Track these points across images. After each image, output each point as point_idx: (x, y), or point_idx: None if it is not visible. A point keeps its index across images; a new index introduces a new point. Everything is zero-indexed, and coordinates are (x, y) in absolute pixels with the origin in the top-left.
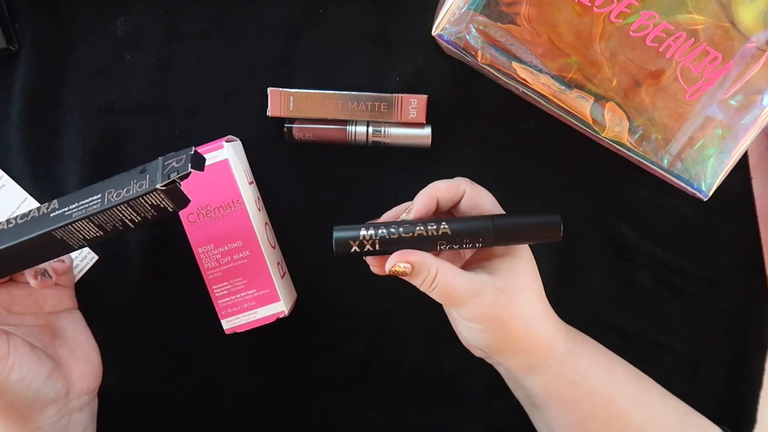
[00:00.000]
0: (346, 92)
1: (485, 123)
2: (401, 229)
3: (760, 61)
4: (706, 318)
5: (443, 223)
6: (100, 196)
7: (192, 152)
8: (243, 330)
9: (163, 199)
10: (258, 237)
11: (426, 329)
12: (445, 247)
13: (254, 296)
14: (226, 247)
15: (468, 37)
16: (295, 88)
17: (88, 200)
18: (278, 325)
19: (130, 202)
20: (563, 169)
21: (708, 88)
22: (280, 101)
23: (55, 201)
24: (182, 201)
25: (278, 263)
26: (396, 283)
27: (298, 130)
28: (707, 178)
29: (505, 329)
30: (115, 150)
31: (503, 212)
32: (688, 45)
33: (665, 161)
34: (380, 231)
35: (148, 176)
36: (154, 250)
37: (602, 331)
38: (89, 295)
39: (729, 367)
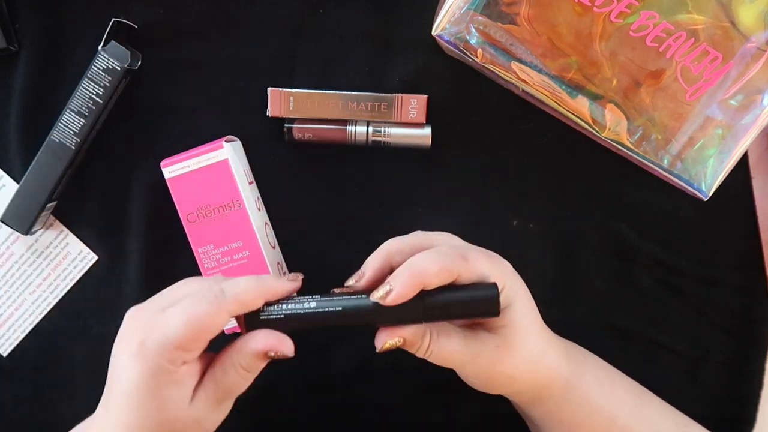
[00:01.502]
0: (346, 92)
1: (485, 123)
2: (314, 304)
3: (760, 61)
4: (706, 318)
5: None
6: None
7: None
8: None
9: (108, 59)
10: (258, 237)
11: None
12: (370, 325)
13: None
14: (225, 247)
15: (468, 37)
16: (295, 88)
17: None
18: None
19: (88, 75)
20: (563, 169)
21: (708, 88)
22: (280, 101)
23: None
24: (124, 56)
25: (278, 263)
26: None
27: (298, 130)
28: (707, 178)
29: (508, 379)
30: (115, 150)
31: (498, 266)
32: (688, 45)
33: (665, 161)
34: (305, 305)
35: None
36: (154, 250)
37: (602, 331)
38: (89, 295)
39: (729, 367)
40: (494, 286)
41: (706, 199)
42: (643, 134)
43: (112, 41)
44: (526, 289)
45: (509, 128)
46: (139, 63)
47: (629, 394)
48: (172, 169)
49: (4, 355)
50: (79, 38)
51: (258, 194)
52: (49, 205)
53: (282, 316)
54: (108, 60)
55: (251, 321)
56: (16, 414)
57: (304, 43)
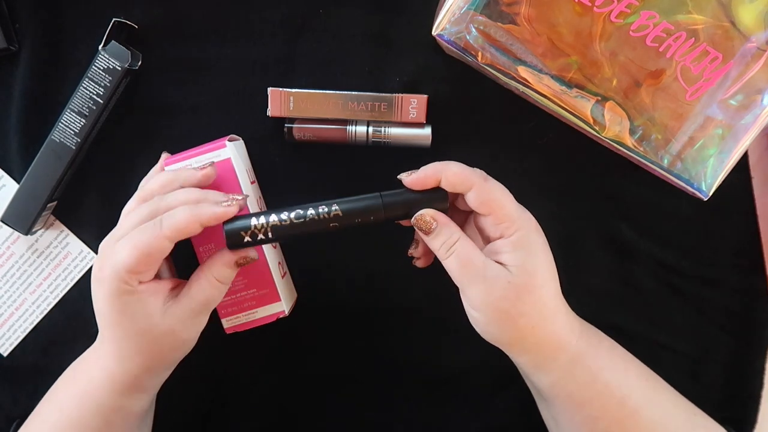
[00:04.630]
0: (346, 92)
1: (485, 123)
2: (292, 215)
3: (760, 61)
4: (707, 318)
5: (334, 205)
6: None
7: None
8: (243, 329)
9: (108, 59)
10: None
11: (426, 329)
12: (338, 227)
13: (255, 296)
14: None
15: (468, 37)
16: (295, 88)
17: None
18: (278, 325)
19: (89, 75)
20: (563, 169)
21: (708, 88)
22: (280, 101)
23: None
24: (124, 56)
25: (279, 263)
26: (396, 283)
27: (298, 130)
28: (707, 178)
29: (512, 325)
30: (115, 150)
31: (524, 213)
32: (688, 45)
33: (665, 161)
34: (271, 218)
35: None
36: None
37: (603, 331)
38: (89, 295)
39: (730, 367)
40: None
41: (706, 199)
42: (643, 134)
43: (113, 41)
44: (547, 249)
45: (509, 128)
46: (140, 63)
47: (641, 378)
48: (175, 167)
49: (5, 355)
50: (79, 38)
51: (260, 193)
52: (49, 205)
53: (264, 237)
54: (108, 60)
55: (234, 242)
56: (16, 414)
57: (304, 43)
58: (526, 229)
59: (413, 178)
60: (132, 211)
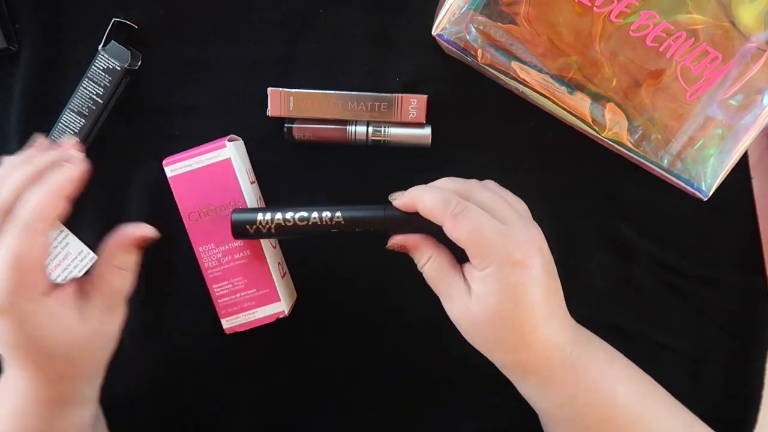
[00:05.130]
0: (346, 92)
1: (485, 123)
2: (297, 217)
3: (760, 61)
4: (707, 318)
5: (338, 212)
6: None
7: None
8: (243, 330)
9: (108, 59)
10: None
11: (426, 329)
12: (338, 233)
13: (254, 296)
14: (226, 246)
15: (468, 37)
16: (295, 88)
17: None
18: (278, 325)
19: (88, 75)
20: (563, 169)
21: (708, 87)
22: (280, 101)
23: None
24: (124, 56)
25: (279, 263)
26: (396, 282)
27: (298, 130)
28: (707, 178)
29: (476, 342)
30: (115, 150)
31: (502, 247)
32: (688, 45)
33: (665, 161)
34: (277, 216)
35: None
36: (154, 250)
37: (602, 331)
38: None
39: (730, 367)
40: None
41: (706, 199)
42: (643, 134)
43: (113, 41)
44: (534, 276)
45: (509, 128)
46: (140, 63)
47: (638, 387)
48: (174, 167)
49: None
50: (79, 38)
51: (260, 194)
52: None
53: (267, 233)
54: (108, 60)
55: (239, 232)
56: None
57: (304, 43)
58: (497, 266)
59: (398, 205)
60: None
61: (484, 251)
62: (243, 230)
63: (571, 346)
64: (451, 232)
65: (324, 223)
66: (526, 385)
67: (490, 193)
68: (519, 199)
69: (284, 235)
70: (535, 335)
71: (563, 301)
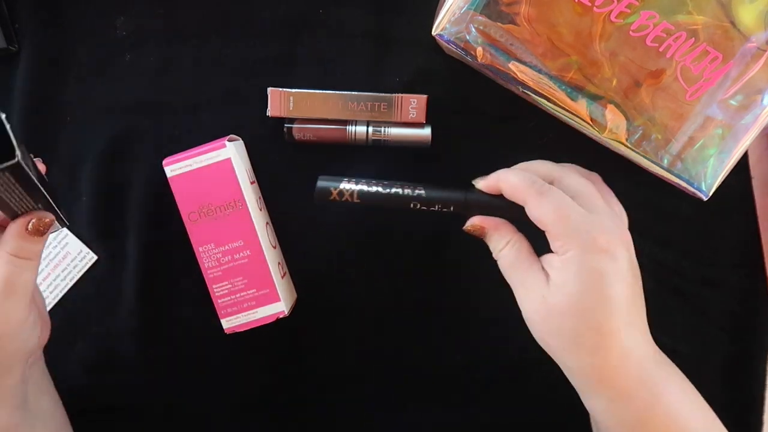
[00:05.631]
0: (346, 92)
1: (485, 123)
2: (380, 187)
3: (760, 61)
4: (707, 318)
5: (420, 187)
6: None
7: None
8: (243, 330)
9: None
10: (259, 237)
11: (427, 329)
12: (418, 207)
13: (254, 296)
14: (226, 247)
15: (468, 37)
16: (295, 88)
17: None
18: (278, 325)
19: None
20: None
21: (708, 88)
22: (280, 101)
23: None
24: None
25: (279, 263)
26: (396, 282)
27: (298, 130)
28: (707, 178)
29: (543, 342)
30: (115, 150)
31: (588, 230)
32: (688, 45)
33: (665, 161)
34: (360, 185)
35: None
36: (154, 250)
37: None
38: (89, 294)
39: (731, 368)
40: None
41: (706, 199)
42: (643, 134)
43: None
44: (618, 268)
45: (509, 128)
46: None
47: (706, 421)
48: (174, 167)
49: None
50: (79, 38)
51: (259, 194)
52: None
53: (350, 199)
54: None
55: (321, 196)
56: None
57: (304, 43)
58: (581, 250)
59: (482, 185)
60: None
61: (567, 232)
62: (326, 194)
63: (650, 363)
64: (534, 210)
65: (405, 194)
66: (595, 397)
67: (580, 179)
68: (617, 201)
69: (366, 203)
70: (615, 338)
71: (645, 312)
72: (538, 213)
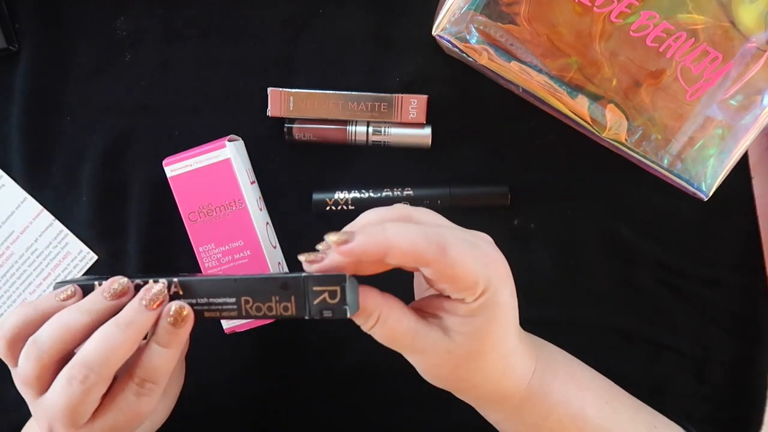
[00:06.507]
0: (346, 92)
1: (485, 123)
2: (371, 192)
3: (760, 61)
4: (708, 318)
5: (407, 188)
6: (234, 301)
7: (346, 284)
8: (243, 330)
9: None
10: (259, 237)
11: None
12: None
13: None
14: (227, 247)
15: (468, 37)
16: (295, 88)
17: (221, 301)
18: (278, 325)
19: (259, 306)
20: (563, 169)
21: (708, 88)
22: (280, 101)
23: (177, 283)
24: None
25: (279, 263)
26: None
27: (298, 130)
28: (707, 178)
29: (449, 385)
30: (115, 150)
31: (489, 266)
32: (689, 45)
33: (665, 161)
34: (353, 193)
35: (293, 298)
36: (154, 250)
37: (603, 331)
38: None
39: (734, 368)
40: (506, 185)
41: (706, 199)
42: (643, 134)
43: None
44: (512, 292)
45: (509, 128)
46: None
47: (602, 394)
48: (174, 167)
49: None
50: (79, 38)
51: (259, 194)
52: None
53: (345, 207)
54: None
55: (319, 208)
56: (19, 414)
57: (304, 43)
58: (492, 290)
59: (344, 249)
60: (20, 380)
61: (476, 282)
62: (322, 205)
63: (531, 361)
64: (441, 271)
65: (395, 196)
66: (493, 413)
67: (426, 211)
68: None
69: (359, 208)
70: (514, 357)
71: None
72: (447, 272)
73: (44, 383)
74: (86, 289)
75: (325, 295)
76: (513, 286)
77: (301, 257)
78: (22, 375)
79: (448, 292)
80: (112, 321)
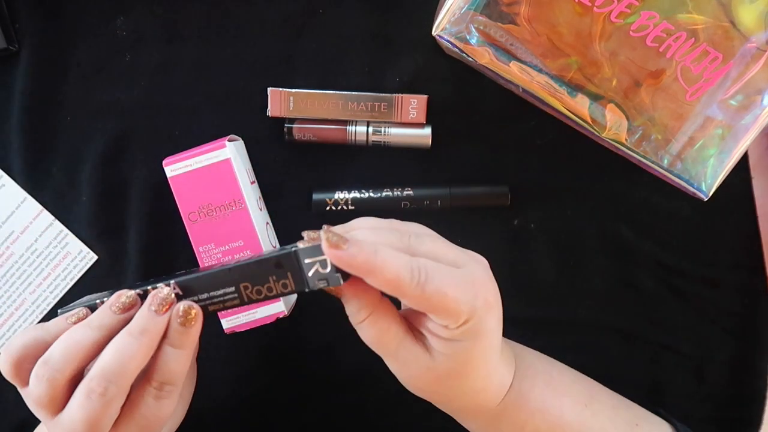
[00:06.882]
0: (346, 92)
1: (485, 123)
2: (370, 192)
3: (760, 61)
4: (708, 318)
5: (407, 188)
6: (234, 290)
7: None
8: (243, 330)
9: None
10: (259, 237)
11: None
12: (409, 206)
13: None
14: (226, 247)
15: (468, 37)
16: (295, 88)
17: (221, 292)
18: (278, 325)
19: (259, 289)
20: (563, 170)
21: (708, 88)
22: (280, 101)
23: (175, 284)
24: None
25: None
26: None
27: (298, 130)
28: (707, 178)
29: (427, 396)
30: (115, 150)
31: (472, 291)
32: (689, 45)
33: (665, 161)
34: (353, 193)
35: (290, 275)
36: (154, 250)
37: (602, 331)
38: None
39: (733, 368)
40: (505, 185)
41: (706, 199)
42: (643, 134)
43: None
44: (498, 318)
45: (509, 128)
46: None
47: (581, 396)
48: (174, 167)
49: None
50: (79, 38)
51: (259, 194)
52: None
53: (345, 207)
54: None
55: (319, 209)
56: (19, 414)
57: (304, 43)
58: (477, 318)
59: (334, 253)
60: (34, 402)
61: (458, 311)
62: (322, 206)
63: (509, 375)
64: (419, 303)
65: (395, 196)
66: (472, 422)
67: (430, 237)
68: (433, 232)
69: (359, 208)
70: (496, 374)
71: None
72: (425, 304)
73: (59, 403)
74: (90, 309)
75: (317, 266)
76: (500, 312)
77: (305, 233)
78: (35, 397)
79: (431, 316)
80: (124, 331)
